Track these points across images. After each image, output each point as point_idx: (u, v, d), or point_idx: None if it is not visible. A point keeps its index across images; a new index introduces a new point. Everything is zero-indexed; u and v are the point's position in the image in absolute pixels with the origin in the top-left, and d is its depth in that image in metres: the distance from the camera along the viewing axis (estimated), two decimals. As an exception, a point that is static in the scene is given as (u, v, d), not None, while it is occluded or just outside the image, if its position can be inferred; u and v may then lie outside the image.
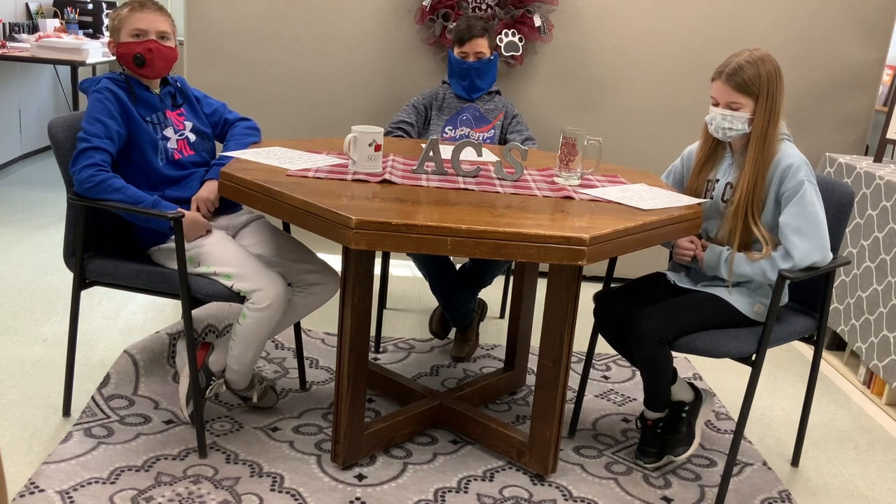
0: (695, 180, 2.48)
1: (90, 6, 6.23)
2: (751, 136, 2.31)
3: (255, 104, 3.85)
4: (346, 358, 2.25)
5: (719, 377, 3.20)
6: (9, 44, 5.29)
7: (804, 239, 2.25)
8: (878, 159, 3.50)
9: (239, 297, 2.30)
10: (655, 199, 2.32)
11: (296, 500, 2.19)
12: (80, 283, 2.40)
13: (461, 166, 2.45)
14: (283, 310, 2.33)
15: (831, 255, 2.32)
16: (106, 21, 6.17)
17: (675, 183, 2.61)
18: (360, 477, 2.32)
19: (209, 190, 2.42)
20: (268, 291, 2.27)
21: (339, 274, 2.37)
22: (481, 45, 3.14)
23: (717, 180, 2.44)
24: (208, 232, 2.39)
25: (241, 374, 2.45)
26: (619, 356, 3.30)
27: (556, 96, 3.91)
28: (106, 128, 2.29)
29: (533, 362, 3.15)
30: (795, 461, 2.62)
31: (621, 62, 3.87)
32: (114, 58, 2.45)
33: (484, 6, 3.69)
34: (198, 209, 2.41)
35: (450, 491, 2.29)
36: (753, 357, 2.26)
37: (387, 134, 3.16)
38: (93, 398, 2.60)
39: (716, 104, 2.34)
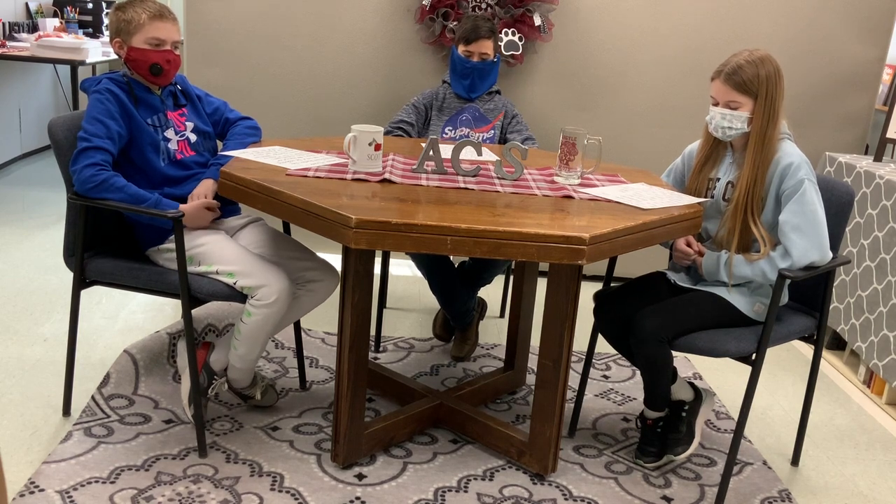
0: (695, 179, 2.48)
1: (90, 6, 6.22)
2: (750, 136, 2.32)
3: (255, 103, 3.85)
4: (346, 357, 2.25)
5: (719, 377, 3.20)
6: (9, 43, 5.29)
7: (803, 237, 2.25)
8: (878, 158, 3.50)
9: (240, 296, 2.30)
10: (655, 198, 2.32)
11: (296, 499, 2.19)
12: (80, 283, 2.40)
13: (461, 166, 2.45)
14: (289, 304, 2.33)
15: (830, 254, 2.32)
16: (106, 20, 6.17)
17: (675, 181, 2.61)
18: (360, 476, 2.32)
19: (205, 187, 2.42)
20: (273, 287, 2.28)
21: (339, 272, 2.37)
22: (486, 47, 3.15)
23: (718, 179, 2.44)
24: (209, 229, 2.39)
25: (244, 372, 2.45)
26: (619, 355, 3.30)
27: (556, 96, 3.90)
28: (106, 128, 2.29)
29: (533, 362, 3.15)
30: (795, 460, 2.62)
31: (621, 61, 3.87)
32: (114, 57, 2.45)
33: (484, 5, 3.69)
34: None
35: (450, 490, 2.29)
36: (753, 356, 2.26)
37: (386, 133, 3.16)
38: (93, 398, 2.60)
39: (715, 103, 2.35)
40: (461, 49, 3.17)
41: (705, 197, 2.45)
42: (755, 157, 2.30)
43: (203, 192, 2.40)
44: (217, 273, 2.30)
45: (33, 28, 5.79)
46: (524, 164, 2.60)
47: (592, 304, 2.55)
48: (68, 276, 3.63)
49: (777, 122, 2.30)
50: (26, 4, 5.93)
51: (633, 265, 3.83)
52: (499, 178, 2.43)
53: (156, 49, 2.36)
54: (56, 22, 5.91)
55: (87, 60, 4.94)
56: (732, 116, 2.31)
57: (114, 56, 4.88)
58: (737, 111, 2.31)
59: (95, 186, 2.24)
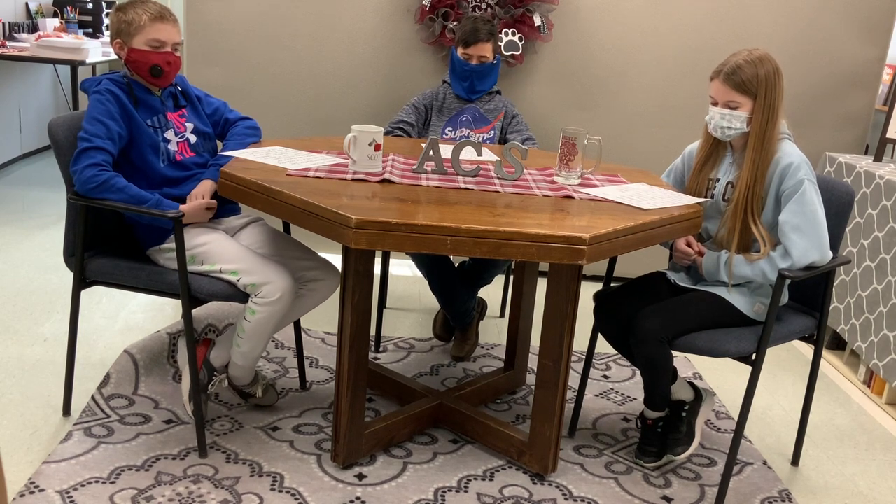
0: (695, 179, 2.48)
1: (90, 6, 6.22)
2: (749, 136, 2.32)
3: (255, 103, 3.85)
4: (346, 357, 2.25)
5: (719, 376, 3.20)
6: (9, 43, 5.29)
7: (803, 237, 2.25)
8: (878, 158, 3.50)
9: (241, 296, 2.30)
10: (655, 198, 2.32)
11: (296, 499, 2.19)
12: (80, 283, 2.40)
13: (461, 166, 2.45)
14: (292, 301, 2.34)
15: (830, 254, 2.32)
16: (106, 21, 6.17)
17: (675, 181, 2.61)
18: (360, 476, 2.32)
19: (204, 187, 2.42)
20: (277, 284, 2.28)
21: (339, 271, 2.37)
22: (485, 50, 3.15)
23: (718, 179, 2.44)
24: (209, 228, 2.39)
25: (245, 370, 2.46)
26: (619, 355, 3.30)
27: (556, 96, 3.90)
28: (107, 129, 2.29)
29: (533, 362, 3.15)
30: (795, 460, 2.62)
31: (621, 61, 3.87)
32: (114, 57, 2.45)
33: (484, 5, 3.69)
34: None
35: (450, 490, 2.30)
36: (753, 356, 2.26)
37: (387, 133, 3.16)
38: (93, 398, 2.60)
39: (714, 103, 2.35)
40: (460, 51, 3.17)
41: (705, 197, 2.45)
42: (755, 156, 2.30)
43: (202, 191, 2.40)
44: (220, 272, 2.30)
45: (33, 28, 5.79)
46: (524, 164, 2.60)
47: (592, 304, 2.55)
48: (68, 276, 3.63)
49: (776, 122, 2.30)
50: (26, 4, 5.93)
51: (633, 265, 3.83)
52: (499, 178, 2.43)
53: (156, 51, 2.36)
54: (56, 22, 5.91)
55: (87, 60, 4.94)
56: (732, 116, 2.31)
57: (114, 56, 4.88)
58: (736, 111, 2.31)
59: (96, 187, 2.24)
